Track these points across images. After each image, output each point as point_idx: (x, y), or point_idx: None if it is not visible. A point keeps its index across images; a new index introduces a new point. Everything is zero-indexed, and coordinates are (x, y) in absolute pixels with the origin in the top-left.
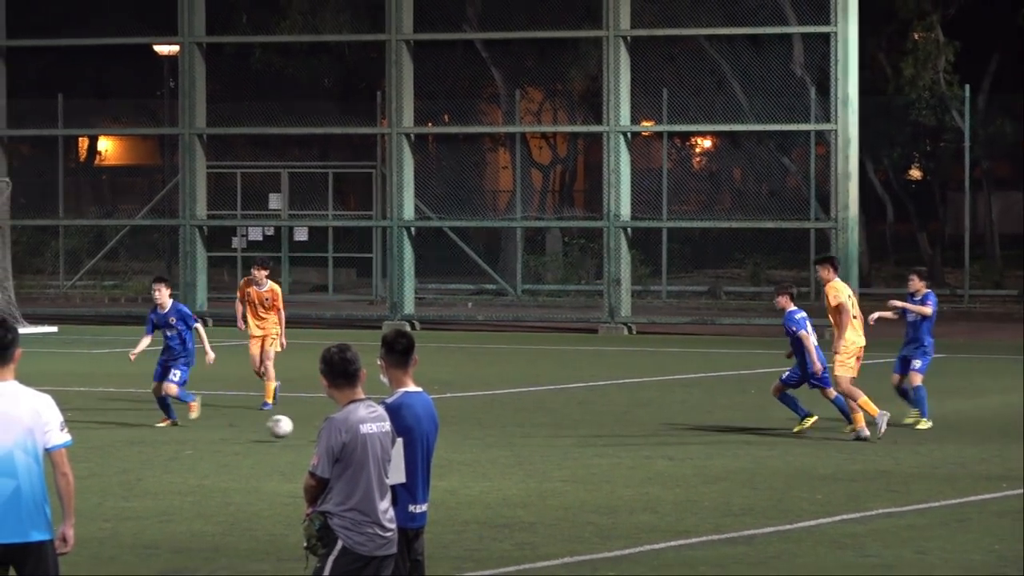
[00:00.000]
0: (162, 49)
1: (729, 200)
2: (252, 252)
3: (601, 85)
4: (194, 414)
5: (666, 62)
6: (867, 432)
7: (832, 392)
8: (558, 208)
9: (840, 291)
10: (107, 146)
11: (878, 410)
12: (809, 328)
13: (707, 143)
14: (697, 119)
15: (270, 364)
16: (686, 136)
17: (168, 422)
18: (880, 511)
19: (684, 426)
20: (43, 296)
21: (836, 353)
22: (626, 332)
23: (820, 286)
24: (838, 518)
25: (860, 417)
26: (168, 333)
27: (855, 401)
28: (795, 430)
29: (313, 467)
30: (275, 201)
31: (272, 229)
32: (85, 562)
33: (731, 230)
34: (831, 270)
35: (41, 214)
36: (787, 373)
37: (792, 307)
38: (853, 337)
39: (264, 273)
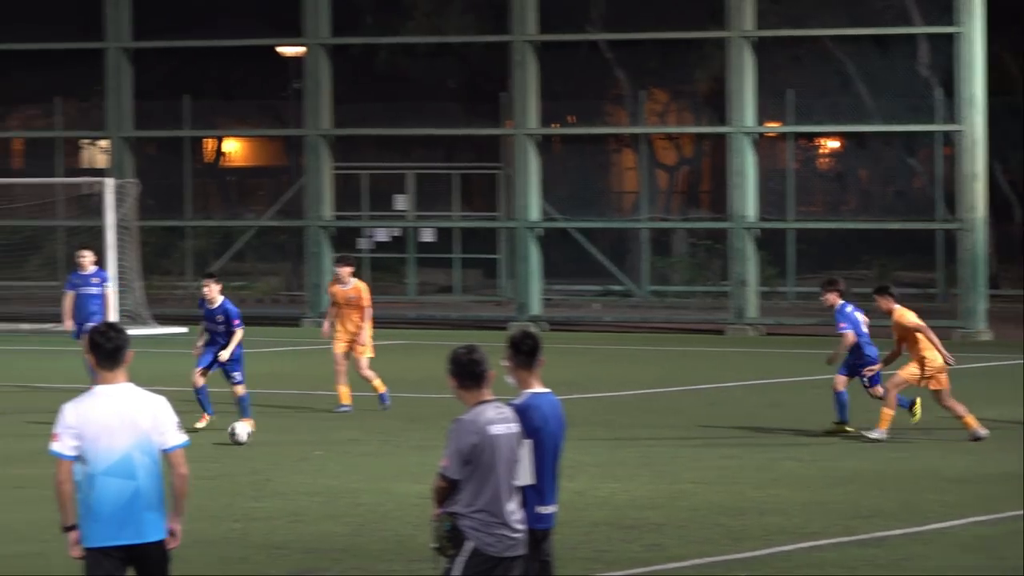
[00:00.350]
0: (287, 50)
1: (855, 201)
2: (379, 254)
3: (725, 86)
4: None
5: (791, 63)
6: (983, 432)
7: (839, 386)
8: (684, 209)
9: (908, 313)
10: (233, 147)
11: (885, 428)
12: (859, 319)
13: (833, 144)
14: (822, 120)
15: (367, 372)
16: (811, 137)
17: (206, 418)
18: (1012, 513)
19: (812, 428)
20: (171, 297)
21: (942, 373)
22: (752, 333)
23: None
24: (969, 520)
25: (971, 420)
26: (213, 329)
27: (885, 407)
28: (913, 422)
29: (444, 469)
30: (401, 202)
31: (399, 230)
32: (215, 562)
33: (857, 231)
34: (891, 299)
35: (168, 215)
36: (866, 378)
37: (841, 302)
38: (931, 356)
39: (348, 271)
